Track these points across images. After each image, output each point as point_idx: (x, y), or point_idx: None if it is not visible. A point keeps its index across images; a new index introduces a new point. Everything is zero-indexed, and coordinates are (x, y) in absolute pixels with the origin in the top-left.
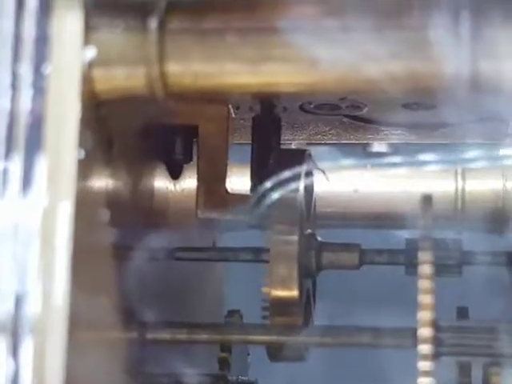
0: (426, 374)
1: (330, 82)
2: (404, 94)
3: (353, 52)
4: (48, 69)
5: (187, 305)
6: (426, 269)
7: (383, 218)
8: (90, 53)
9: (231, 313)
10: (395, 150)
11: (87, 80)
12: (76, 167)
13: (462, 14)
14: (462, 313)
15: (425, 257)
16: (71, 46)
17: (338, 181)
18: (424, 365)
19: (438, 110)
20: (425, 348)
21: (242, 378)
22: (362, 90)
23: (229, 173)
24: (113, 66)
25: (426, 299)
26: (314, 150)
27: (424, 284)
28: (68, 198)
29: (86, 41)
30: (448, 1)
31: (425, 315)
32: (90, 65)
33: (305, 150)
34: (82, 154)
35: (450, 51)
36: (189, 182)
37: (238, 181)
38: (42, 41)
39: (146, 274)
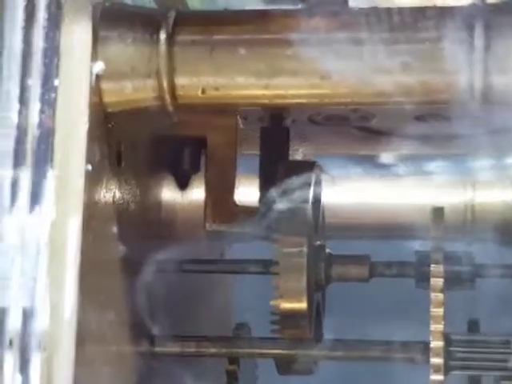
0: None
1: (341, 94)
2: (416, 107)
3: (365, 65)
4: (56, 82)
5: (196, 317)
6: (437, 279)
7: (393, 230)
8: (99, 65)
9: (239, 326)
10: (405, 161)
11: (96, 92)
12: (84, 180)
13: (475, 28)
14: (474, 325)
15: (436, 270)
16: (80, 59)
17: (348, 192)
18: (435, 379)
19: (449, 123)
20: (436, 362)
21: None
22: (373, 102)
23: (237, 184)
24: (122, 78)
25: (437, 313)
26: (323, 161)
27: (436, 297)
28: (76, 212)
29: (95, 54)
30: (462, 14)
31: (436, 329)
32: (99, 77)
33: (313, 162)
34: (90, 167)
35: (462, 64)
36: (197, 193)
37: (247, 192)
38: (51, 54)
39: (154, 286)
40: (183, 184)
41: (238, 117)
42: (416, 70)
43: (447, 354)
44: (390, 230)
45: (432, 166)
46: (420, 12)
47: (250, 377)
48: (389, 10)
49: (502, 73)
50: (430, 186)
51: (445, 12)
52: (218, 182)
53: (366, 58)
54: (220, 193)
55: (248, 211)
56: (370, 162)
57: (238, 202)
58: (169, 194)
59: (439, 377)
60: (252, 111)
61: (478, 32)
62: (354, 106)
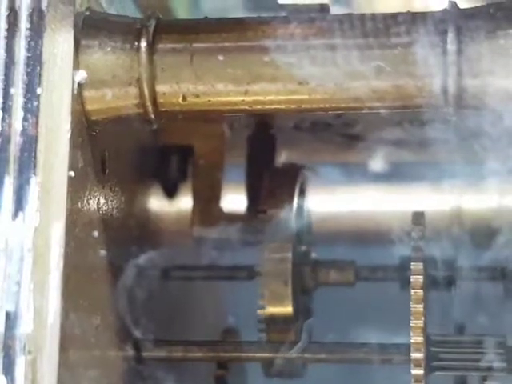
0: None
1: (318, 100)
2: (391, 111)
3: (340, 70)
4: (39, 90)
5: (183, 323)
6: (417, 291)
7: (378, 235)
8: (81, 74)
9: (227, 330)
10: (390, 167)
11: (78, 101)
12: (67, 187)
13: (447, 33)
14: (460, 329)
15: (416, 278)
16: (62, 68)
17: (333, 198)
18: (416, 377)
19: (428, 127)
20: (417, 363)
21: None
22: (349, 107)
23: (224, 191)
24: (103, 86)
25: (418, 316)
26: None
27: (416, 303)
28: (60, 218)
29: (77, 62)
30: (434, 19)
31: (417, 336)
32: (81, 86)
33: (299, 167)
34: (73, 173)
35: (436, 68)
36: (184, 201)
37: (234, 199)
38: (33, 63)
39: (140, 292)
40: (170, 192)
41: (225, 125)
42: (389, 75)
43: (428, 356)
44: (375, 236)
45: (418, 172)
46: (392, 17)
47: (239, 382)
48: (362, 16)
49: (474, 76)
50: (415, 193)
51: (417, 17)
52: (205, 189)
53: (342, 64)
54: (207, 200)
55: (235, 218)
56: (356, 169)
57: (224, 210)
58: (156, 201)
59: (419, 371)
60: (238, 119)
61: (451, 36)
62: (332, 112)
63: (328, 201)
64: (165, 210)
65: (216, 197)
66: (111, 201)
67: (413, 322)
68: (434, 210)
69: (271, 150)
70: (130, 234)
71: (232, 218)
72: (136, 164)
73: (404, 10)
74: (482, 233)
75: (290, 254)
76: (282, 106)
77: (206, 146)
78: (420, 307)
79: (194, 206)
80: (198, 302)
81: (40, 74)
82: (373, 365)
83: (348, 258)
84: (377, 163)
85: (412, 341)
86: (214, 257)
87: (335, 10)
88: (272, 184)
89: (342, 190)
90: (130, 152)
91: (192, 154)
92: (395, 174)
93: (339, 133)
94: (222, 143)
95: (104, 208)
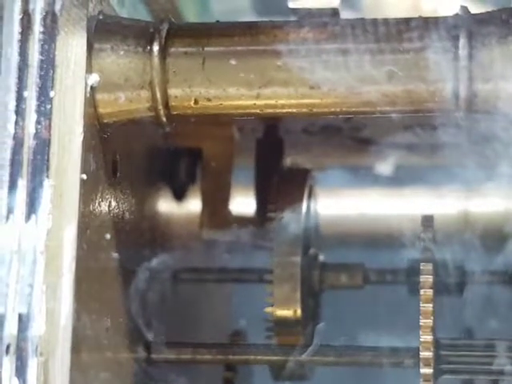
0: None
1: (330, 104)
2: (402, 115)
3: (352, 75)
4: (52, 93)
5: (192, 325)
6: (427, 290)
7: (387, 239)
8: (94, 77)
9: (236, 333)
10: (399, 170)
11: (91, 104)
12: (80, 189)
13: (459, 38)
14: (469, 333)
15: (426, 278)
16: (75, 71)
17: (341, 202)
18: (426, 377)
19: (438, 131)
20: (427, 362)
21: None
22: (361, 111)
23: (233, 194)
24: (116, 89)
25: (427, 316)
26: (318, 172)
27: (425, 302)
28: (72, 220)
29: (90, 65)
30: (446, 24)
31: (426, 335)
32: (94, 89)
33: (307, 170)
34: (85, 176)
35: (447, 73)
36: (193, 204)
37: (243, 202)
38: (47, 66)
39: (150, 294)
40: (180, 194)
41: (234, 128)
42: (401, 80)
43: (437, 359)
44: (384, 239)
45: (426, 176)
46: (405, 23)
47: None
48: (374, 21)
49: (485, 81)
50: (424, 196)
51: (429, 22)
52: (214, 192)
53: (353, 68)
54: (216, 203)
55: (244, 220)
56: (364, 173)
57: (233, 212)
58: (165, 204)
59: (429, 370)
60: (247, 122)
61: (462, 41)
62: (343, 116)
63: (336, 204)
64: (174, 213)
65: (225, 199)
66: (122, 203)
67: (422, 322)
68: (442, 213)
69: (280, 154)
70: (141, 236)
71: (241, 220)
72: (146, 167)
73: (413, 14)
74: (491, 237)
75: (298, 258)
76: (294, 110)
77: (216, 149)
78: (429, 307)
79: (203, 208)
80: (207, 305)
81: (53, 78)
82: (381, 368)
83: (357, 261)
84: (386, 167)
85: (421, 340)
86: (224, 259)
87: (345, 15)
88: (281, 187)
89: (351, 193)
90: (141, 155)
91: (201, 157)
92: (404, 178)
93: (348, 136)
94: (232, 146)
95: (115, 210)
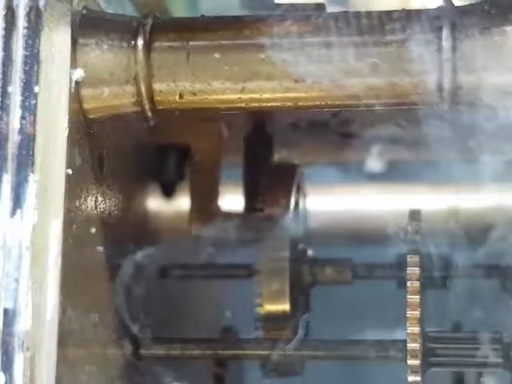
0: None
1: (315, 97)
2: (387, 109)
3: (336, 68)
4: (37, 88)
5: (181, 322)
6: (413, 282)
7: (376, 235)
8: (78, 72)
9: (226, 329)
10: (388, 166)
11: (75, 99)
12: (65, 184)
13: (442, 30)
14: (456, 326)
15: (413, 269)
16: (59, 66)
17: (330, 198)
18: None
19: (425, 125)
20: (414, 354)
21: None
22: (346, 104)
23: (222, 191)
24: (101, 84)
25: (414, 307)
26: (307, 169)
27: (412, 294)
28: (58, 215)
29: (74, 61)
30: (428, 17)
31: (413, 327)
32: (78, 84)
33: (296, 166)
34: (71, 171)
35: (431, 65)
36: (182, 200)
37: (232, 199)
38: (31, 61)
39: (138, 290)
40: (168, 191)
41: (222, 124)
42: (385, 72)
43: (425, 351)
44: (372, 235)
45: (415, 171)
46: (387, 15)
47: (238, 380)
48: (357, 14)
49: (469, 73)
50: (413, 192)
51: (412, 14)
52: (203, 187)
53: (337, 61)
54: (205, 198)
55: (233, 216)
56: (353, 169)
57: (222, 208)
58: (154, 200)
59: (416, 362)
60: (235, 119)
61: (446, 33)
62: (328, 109)
63: (325, 200)
64: (163, 209)
65: (214, 195)
66: (109, 199)
67: (409, 313)
68: (431, 208)
69: (268, 149)
70: (128, 232)
71: (230, 216)
72: (134, 163)
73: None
74: (479, 231)
75: (287, 253)
76: (279, 104)
77: (204, 145)
78: (416, 298)
79: (192, 204)
80: (196, 301)
81: (38, 73)
82: (370, 363)
83: (345, 256)
84: (374, 162)
85: (408, 331)
86: (212, 255)
87: (331, 9)
88: (269, 182)
89: (339, 189)
90: (128, 151)
91: (189, 153)
92: (392, 173)
93: (336, 131)
94: (220, 142)
95: (102, 206)
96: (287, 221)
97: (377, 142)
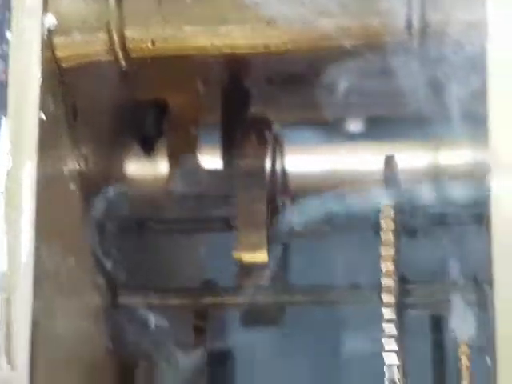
0: (390, 321)
1: (287, 40)
2: (358, 49)
3: (306, 9)
4: (9, 35)
5: (162, 275)
6: (388, 234)
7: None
8: (50, 19)
9: (206, 282)
10: (368, 124)
11: (48, 47)
12: (39, 129)
13: None
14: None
15: (387, 219)
16: (31, 13)
17: (308, 158)
18: (387, 312)
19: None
20: (388, 296)
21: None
22: (318, 46)
23: (200, 152)
24: (73, 32)
25: (388, 252)
26: (285, 127)
27: (386, 238)
28: (31, 159)
29: (46, 8)
30: None
31: (388, 266)
32: (51, 32)
33: (270, 120)
34: (44, 116)
35: (400, 4)
36: (160, 156)
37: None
38: (3, 8)
39: (117, 242)
40: (147, 149)
41: (198, 80)
42: (355, 12)
43: (401, 291)
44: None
45: (396, 129)
46: None
47: (218, 332)
48: None
49: (437, 10)
50: (394, 149)
51: None
52: (181, 144)
53: (308, 2)
54: (183, 154)
55: (211, 172)
56: (331, 128)
57: (200, 164)
58: (132, 157)
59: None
60: (212, 73)
61: None
62: (301, 53)
63: (302, 160)
64: (141, 166)
65: (192, 151)
66: (84, 148)
67: (384, 253)
68: (411, 166)
69: (245, 103)
70: (105, 183)
71: (208, 172)
72: (110, 117)
73: None
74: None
75: (263, 204)
76: (252, 50)
77: (180, 100)
78: (390, 238)
79: (171, 161)
80: (176, 255)
81: (9, 20)
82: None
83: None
84: (351, 120)
85: (383, 269)
86: (191, 210)
87: None
88: (244, 137)
89: (317, 148)
90: (104, 105)
91: (166, 110)
92: (370, 130)
93: (311, 84)
94: (196, 97)
95: (76, 153)
96: (263, 172)
97: (353, 96)
